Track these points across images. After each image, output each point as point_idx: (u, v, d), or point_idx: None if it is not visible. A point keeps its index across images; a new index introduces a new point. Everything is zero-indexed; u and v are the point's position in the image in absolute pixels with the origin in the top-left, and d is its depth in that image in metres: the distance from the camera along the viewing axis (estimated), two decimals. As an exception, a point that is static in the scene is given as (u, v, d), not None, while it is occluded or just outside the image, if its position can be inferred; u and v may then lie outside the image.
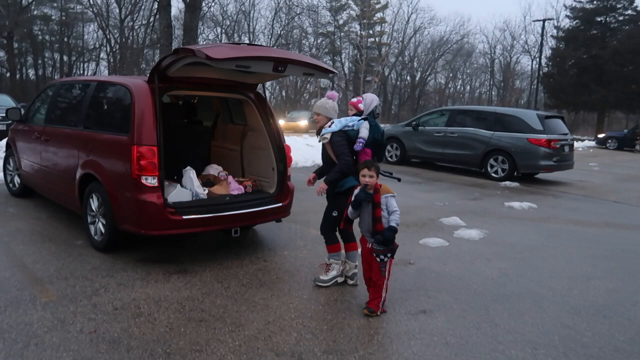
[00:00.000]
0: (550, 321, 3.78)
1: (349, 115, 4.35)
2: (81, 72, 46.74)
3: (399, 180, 4.72)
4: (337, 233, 4.35)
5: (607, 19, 34.77)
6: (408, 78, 60.23)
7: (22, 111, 6.84)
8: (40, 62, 45.72)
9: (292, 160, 5.36)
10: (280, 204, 5.10)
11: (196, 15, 12.77)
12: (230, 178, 5.12)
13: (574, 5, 35.66)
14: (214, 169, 5.19)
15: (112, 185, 4.53)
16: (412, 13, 55.49)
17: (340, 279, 4.38)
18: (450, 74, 60.93)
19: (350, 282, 4.35)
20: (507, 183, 11.02)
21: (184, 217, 4.37)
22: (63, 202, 5.66)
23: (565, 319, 3.84)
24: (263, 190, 5.34)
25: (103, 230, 4.76)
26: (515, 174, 11.33)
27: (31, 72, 46.27)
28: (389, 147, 13.56)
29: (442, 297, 4.17)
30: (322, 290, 4.19)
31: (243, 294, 4.01)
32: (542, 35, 32.06)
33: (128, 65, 40.60)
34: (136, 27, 44.57)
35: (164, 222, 4.32)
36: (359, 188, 3.74)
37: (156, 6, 15.46)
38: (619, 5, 34.28)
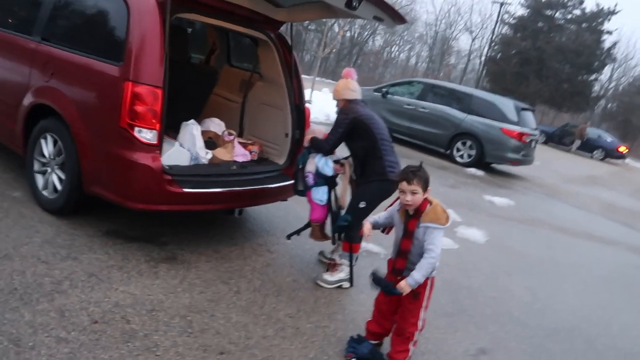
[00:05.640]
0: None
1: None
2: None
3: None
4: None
5: (556, 14, 35.74)
6: (348, 34, 58.78)
7: None
8: None
9: (310, 127, 4.30)
10: (292, 181, 4.08)
11: None
12: (236, 140, 3.98)
13: (529, -6, 36.26)
14: (215, 125, 3.99)
15: (82, 129, 3.24)
16: (365, -33, 52.94)
17: (346, 284, 3.57)
18: (389, 38, 60.05)
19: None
20: (473, 170, 10.66)
21: (185, 189, 3.23)
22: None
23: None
24: (270, 159, 4.26)
25: (59, 187, 3.48)
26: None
27: None
28: (351, 110, 12.65)
29: (491, 329, 3.51)
30: (358, 305, 3.33)
31: (261, 306, 3.04)
32: (497, 19, 32.28)
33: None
34: None
35: (158, 193, 3.16)
36: (395, 204, 2.68)
37: None
38: (569, 3, 35.31)
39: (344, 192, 3.59)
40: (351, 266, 3.56)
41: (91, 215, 3.62)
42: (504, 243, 5.75)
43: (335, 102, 3.71)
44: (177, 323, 2.65)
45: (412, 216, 2.51)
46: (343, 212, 3.57)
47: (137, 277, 3.00)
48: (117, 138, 3.09)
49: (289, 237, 3.77)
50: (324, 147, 3.53)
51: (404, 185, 2.49)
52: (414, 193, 2.47)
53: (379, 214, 2.81)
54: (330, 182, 3.59)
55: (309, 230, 3.75)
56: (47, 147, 3.53)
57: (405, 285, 2.48)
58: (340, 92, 3.57)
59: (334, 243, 3.66)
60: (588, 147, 26.23)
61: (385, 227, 2.86)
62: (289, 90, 4.12)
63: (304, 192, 3.58)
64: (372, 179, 3.47)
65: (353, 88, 3.57)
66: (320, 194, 3.54)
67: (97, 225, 3.53)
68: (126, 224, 3.67)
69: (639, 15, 63.15)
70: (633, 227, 8.95)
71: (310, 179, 3.52)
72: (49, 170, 3.55)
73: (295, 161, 4.07)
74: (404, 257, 2.54)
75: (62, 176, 3.43)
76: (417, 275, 2.47)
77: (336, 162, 3.55)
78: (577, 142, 25.48)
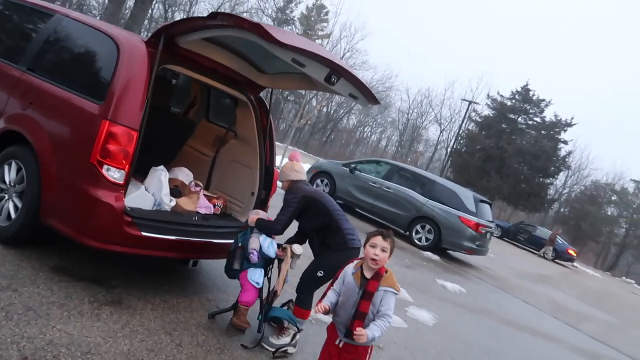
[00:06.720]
0: None
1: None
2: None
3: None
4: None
5: (519, 118, 38.33)
6: (325, 109, 60.75)
7: None
8: None
9: (276, 188, 4.41)
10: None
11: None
12: (201, 192, 4.02)
13: (495, 97, 38.86)
14: (184, 175, 4.04)
15: (50, 159, 3.23)
16: (348, 51, 55.91)
17: (292, 349, 3.52)
18: (363, 118, 62.30)
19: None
20: (429, 254, 10.83)
21: (143, 233, 3.22)
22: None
23: None
24: (233, 215, 4.30)
25: (13, 214, 3.40)
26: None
27: None
28: (317, 182, 12.92)
29: (431, 412, 3.49)
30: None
31: (202, 362, 2.96)
32: (465, 115, 34.36)
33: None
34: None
35: (116, 233, 3.13)
36: (353, 264, 2.72)
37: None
38: (531, 111, 38.01)
39: (283, 278, 3.52)
40: (290, 339, 3.49)
41: (40, 248, 3.52)
42: (451, 328, 5.80)
43: (280, 184, 3.80)
44: (112, 369, 2.55)
45: (372, 278, 2.57)
46: (277, 299, 3.57)
47: (77, 317, 2.89)
48: (84, 173, 3.10)
49: (211, 316, 3.51)
50: (275, 227, 3.51)
51: (378, 239, 2.57)
52: (383, 250, 2.56)
53: (329, 295, 2.72)
54: (267, 265, 3.52)
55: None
56: (10, 173, 3.49)
57: (362, 334, 2.44)
58: (286, 173, 3.72)
59: (259, 331, 3.46)
60: (540, 245, 27.12)
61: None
62: (261, 151, 4.25)
63: (239, 272, 3.44)
64: (335, 249, 3.56)
65: (298, 169, 3.73)
66: (257, 275, 3.41)
67: (44, 259, 3.42)
68: (75, 262, 3.58)
69: (593, 130, 68.39)
70: (576, 328, 9.17)
71: (255, 256, 3.37)
72: (6, 197, 3.49)
73: None
74: (362, 319, 2.54)
75: (19, 205, 3.37)
76: (376, 333, 2.48)
77: (279, 245, 3.53)
78: (549, 248, 25.95)
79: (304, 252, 3.65)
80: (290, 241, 3.84)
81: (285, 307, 3.80)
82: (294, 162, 3.77)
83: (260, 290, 3.49)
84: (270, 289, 3.57)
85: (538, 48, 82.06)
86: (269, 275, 3.57)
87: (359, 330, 2.46)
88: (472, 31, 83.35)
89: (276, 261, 3.59)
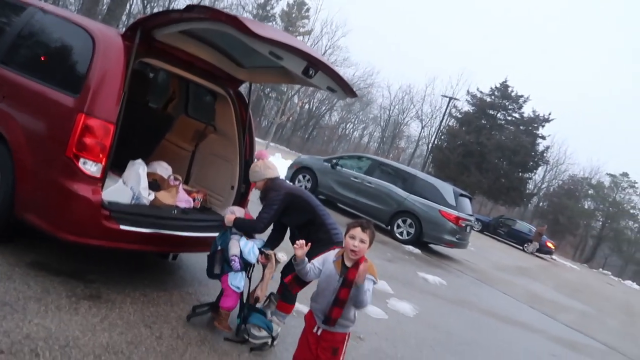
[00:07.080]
0: None
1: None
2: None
3: None
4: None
5: (498, 114, 38.93)
6: (307, 106, 60.70)
7: None
8: None
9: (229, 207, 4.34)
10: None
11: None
12: (181, 185, 4.01)
13: (475, 93, 39.46)
14: (162, 169, 4.03)
15: (26, 154, 3.19)
16: (329, 47, 55.60)
17: (272, 341, 3.55)
18: (345, 115, 62.47)
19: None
20: (411, 248, 10.96)
21: (122, 227, 3.20)
22: None
23: None
24: (212, 209, 4.30)
25: (-13, 210, 3.35)
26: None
27: None
28: (300, 177, 12.94)
29: (410, 400, 3.55)
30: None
31: (182, 354, 2.97)
32: (445, 111, 34.79)
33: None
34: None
35: (93, 227, 3.11)
36: (335, 251, 2.77)
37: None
38: (510, 107, 38.65)
39: (266, 284, 3.47)
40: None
41: (16, 243, 3.48)
42: (432, 319, 5.89)
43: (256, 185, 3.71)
44: (90, 361, 2.54)
45: (352, 267, 2.60)
46: (259, 304, 3.55)
47: (55, 312, 2.87)
48: (60, 167, 3.07)
49: (189, 317, 3.41)
50: (258, 226, 3.46)
51: (357, 231, 2.59)
52: (362, 241, 2.58)
53: (311, 263, 2.77)
54: (247, 268, 3.45)
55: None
56: (-17, 168, 3.43)
57: (363, 277, 2.47)
58: (260, 172, 3.63)
59: (238, 334, 3.43)
60: (520, 239, 27.62)
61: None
62: (240, 145, 4.25)
63: (220, 276, 3.39)
64: (319, 244, 3.54)
65: (271, 167, 3.67)
66: (237, 280, 3.35)
67: (20, 255, 3.38)
68: (53, 257, 3.54)
69: (570, 126, 69.77)
70: (554, 318, 9.37)
71: (237, 264, 3.31)
72: (-20, 192, 3.43)
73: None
74: (341, 306, 2.58)
75: (-6, 200, 3.32)
76: (366, 294, 2.50)
77: (261, 252, 3.44)
78: (535, 245, 26.33)
79: (287, 247, 3.66)
80: (272, 238, 3.84)
81: (267, 300, 3.82)
82: (265, 161, 3.69)
83: (241, 293, 3.47)
84: (250, 291, 3.52)
85: (528, 46, 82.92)
86: (249, 276, 3.52)
87: (363, 267, 2.48)
88: (462, 30, 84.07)
89: (260, 265, 3.53)
